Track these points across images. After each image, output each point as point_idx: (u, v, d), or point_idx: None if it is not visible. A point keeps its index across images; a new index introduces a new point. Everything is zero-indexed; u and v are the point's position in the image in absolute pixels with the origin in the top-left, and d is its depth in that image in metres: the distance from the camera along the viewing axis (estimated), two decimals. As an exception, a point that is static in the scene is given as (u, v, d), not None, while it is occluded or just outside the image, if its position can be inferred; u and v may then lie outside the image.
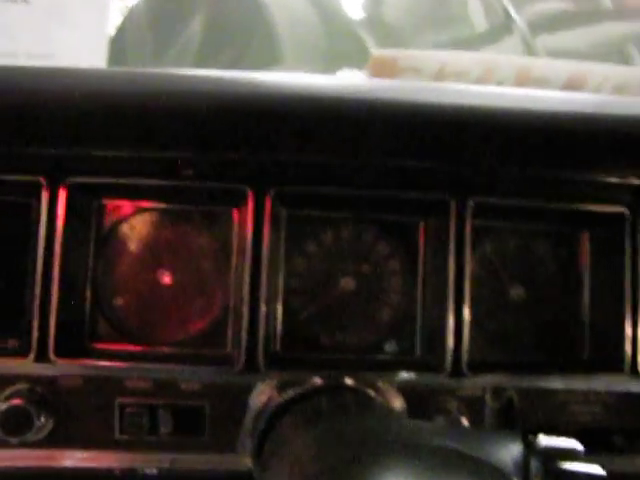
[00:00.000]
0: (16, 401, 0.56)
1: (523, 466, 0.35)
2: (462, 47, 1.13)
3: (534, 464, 0.35)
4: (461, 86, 0.55)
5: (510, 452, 0.35)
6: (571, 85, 0.71)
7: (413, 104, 0.54)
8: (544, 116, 0.56)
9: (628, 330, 0.60)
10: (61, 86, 0.52)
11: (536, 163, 0.57)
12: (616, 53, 1.06)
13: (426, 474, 0.26)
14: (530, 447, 0.36)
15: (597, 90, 0.71)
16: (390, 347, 0.63)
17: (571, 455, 0.36)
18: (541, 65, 0.70)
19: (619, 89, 0.72)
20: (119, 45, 1.01)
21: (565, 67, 0.72)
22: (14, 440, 0.55)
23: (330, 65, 1.11)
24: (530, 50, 1.16)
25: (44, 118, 0.51)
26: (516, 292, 0.64)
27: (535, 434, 0.38)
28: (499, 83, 0.68)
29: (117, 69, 0.51)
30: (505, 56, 0.69)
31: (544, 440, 0.37)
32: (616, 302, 0.61)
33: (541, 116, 0.55)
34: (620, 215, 0.61)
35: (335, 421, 0.43)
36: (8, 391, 0.57)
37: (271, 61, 1.21)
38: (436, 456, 0.28)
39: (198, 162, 0.53)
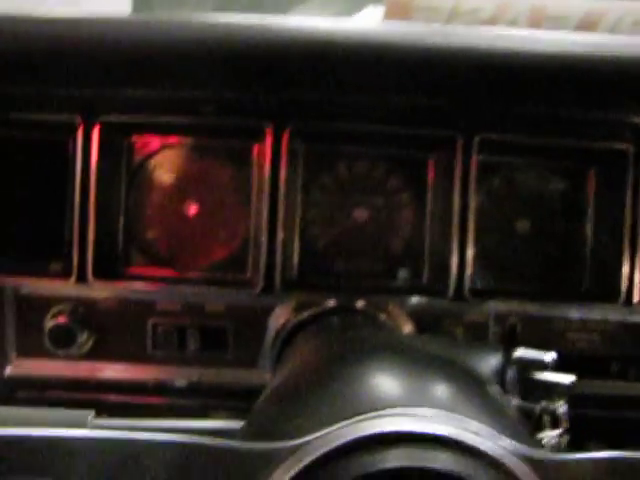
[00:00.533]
0: (61, 319, 0.63)
1: (500, 374, 0.39)
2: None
3: (510, 373, 0.39)
4: (468, 29, 0.57)
5: (489, 362, 0.40)
6: (588, 21, 0.71)
7: (422, 47, 0.56)
8: (550, 57, 0.57)
9: (625, 264, 0.63)
10: (91, 33, 0.56)
11: (542, 102, 0.59)
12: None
13: (404, 372, 0.30)
14: (507, 358, 0.40)
15: (615, 26, 0.72)
16: (403, 274, 0.67)
17: (543, 365, 0.40)
18: (557, 1, 0.70)
19: (637, 25, 0.72)
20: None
21: (582, 3, 0.72)
22: (61, 353, 0.62)
23: (355, 3, 1.12)
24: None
25: (76, 62, 0.55)
26: (522, 225, 0.67)
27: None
28: (513, 20, 0.69)
29: (140, 16, 0.54)
30: (519, -7, 0.70)
31: (520, 352, 0.41)
32: (616, 237, 0.64)
33: (547, 57, 0.57)
34: (623, 152, 0.63)
35: (340, 333, 0.48)
36: (54, 310, 0.64)
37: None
38: (417, 359, 0.33)
39: (217, 100, 0.57)
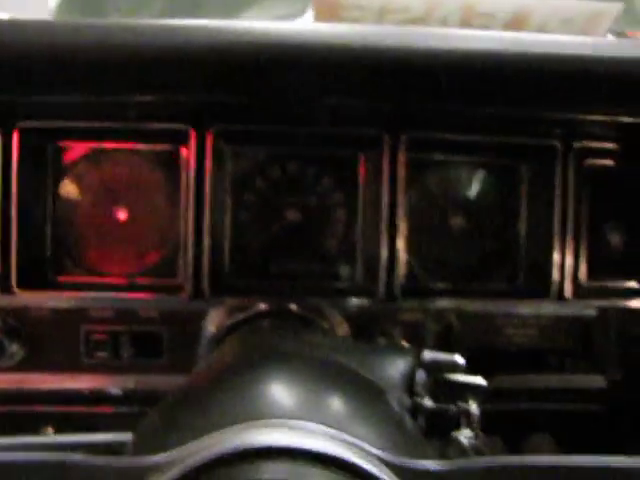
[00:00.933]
0: (-12, 331, 0.61)
1: (409, 377, 0.39)
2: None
3: (420, 376, 0.39)
4: (394, 28, 0.57)
5: (398, 365, 0.39)
6: (517, 19, 0.72)
7: (348, 47, 0.55)
8: (478, 55, 0.57)
9: (556, 258, 0.64)
10: (9, 36, 0.54)
11: (471, 100, 0.59)
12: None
13: (295, 382, 0.30)
14: (417, 360, 0.40)
15: (543, 24, 0.72)
16: (343, 272, 0.66)
17: (454, 367, 0.40)
18: (486, 0, 0.70)
19: (565, 23, 0.73)
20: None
21: (511, 1, 0.72)
22: (-12, 366, 0.61)
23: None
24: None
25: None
26: (456, 221, 0.67)
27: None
28: (444, 19, 0.69)
29: (60, 20, 0.53)
30: (449, -9, 0.70)
31: (429, 354, 0.41)
32: (547, 232, 0.65)
33: (475, 55, 0.57)
34: (552, 147, 0.64)
35: (257, 338, 0.48)
36: (-19, 321, 0.62)
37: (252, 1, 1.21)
38: (314, 368, 0.32)
39: (140, 104, 0.56)
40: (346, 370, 0.34)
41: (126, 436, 0.31)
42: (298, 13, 1.07)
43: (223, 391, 0.29)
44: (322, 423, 0.26)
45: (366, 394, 0.32)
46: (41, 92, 0.54)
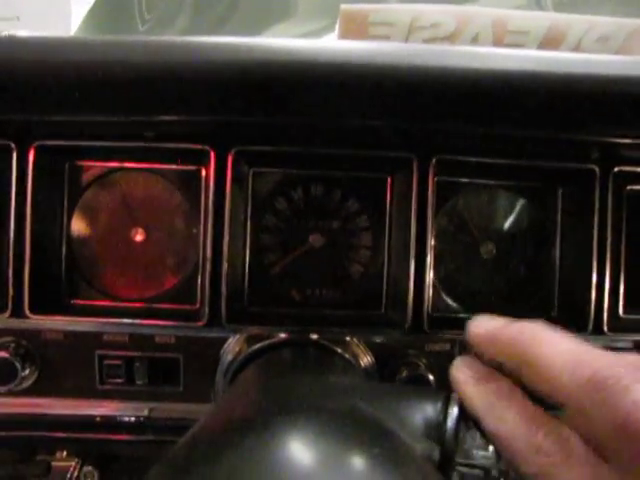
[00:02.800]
0: (2, 353, 0.59)
1: (439, 425, 0.36)
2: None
3: (450, 423, 0.36)
4: (425, 46, 0.54)
5: (427, 412, 0.36)
6: (551, 37, 0.69)
7: (377, 66, 0.53)
8: (513, 76, 0.54)
9: (593, 289, 0.60)
10: (26, 54, 0.53)
11: (505, 122, 0.56)
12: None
13: (318, 441, 0.27)
14: (446, 406, 0.37)
15: (579, 42, 0.69)
16: (369, 300, 0.63)
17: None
18: (519, 17, 0.67)
19: (603, 40, 0.70)
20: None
21: (545, 18, 0.69)
22: (1, 389, 0.59)
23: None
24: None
25: (8, 85, 0.52)
26: (486, 249, 0.64)
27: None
28: (475, 36, 0.67)
29: (80, 37, 0.51)
30: (481, 7, 0.67)
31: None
32: (583, 261, 0.61)
33: (509, 76, 0.54)
34: (590, 172, 0.61)
35: (273, 376, 0.45)
36: (-5, 343, 0.60)
37: (282, 15, 1.19)
38: (337, 421, 0.29)
39: (157, 124, 0.54)
40: (371, 425, 0.31)
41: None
42: (326, 30, 1.05)
43: (236, 453, 0.26)
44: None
45: (393, 456, 0.28)
46: (58, 111, 0.53)
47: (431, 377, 0.60)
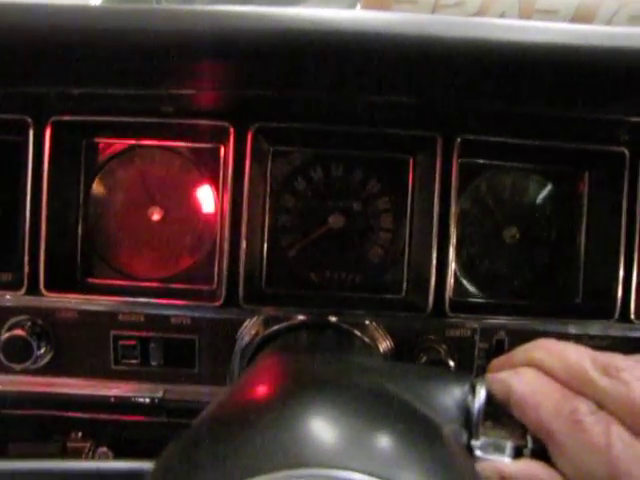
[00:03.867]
0: (17, 331, 0.58)
1: (465, 407, 0.35)
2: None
3: (477, 406, 0.35)
4: (449, 18, 0.52)
5: (454, 394, 0.35)
6: (581, 15, 0.67)
7: (400, 38, 0.51)
8: (540, 49, 0.52)
9: (621, 275, 0.58)
10: (43, 23, 0.51)
11: (531, 100, 0.55)
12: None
13: (341, 419, 0.26)
14: (473, 388, 0.35)
15: (609, 21, 0.67)
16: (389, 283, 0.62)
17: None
18: (548, -6, 0.65)
19: (634, 19, 0.68)
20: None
21: (575, -4, 0.67)
22: (17, 367, 0.58)
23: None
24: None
25: (26, 56, 0.51)
26: (510, 233, 0.63)
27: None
28: (501, 14, 0.65)
29: (102, 6, 0.50)
30: (508, -15, 0.65)
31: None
32: (611, 247, 0.59)
33: (536, 49, 0.52)
34: (620, 155, 0.59)
35: (293, 356, 0.44)
36: (10, 322, 0.59)
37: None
38: (356, 396, 0.28)
39: (177, 99, 0.53)
40: (398, 403, 0.30)
41: (147, 464, 0.28)
42: (352, 5, 1.02)
43: (257, 428, 0.25)
44: (371, 472, 0.22)
45: (422, 433, 0.27)
46: (77, 83, 0.51)
47: (451, 363, 0.59)
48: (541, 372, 0.35)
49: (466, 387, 0.35)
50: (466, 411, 0.34)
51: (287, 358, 0.44)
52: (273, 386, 0.31)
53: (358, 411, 0.27)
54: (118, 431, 0.71)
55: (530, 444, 0.33)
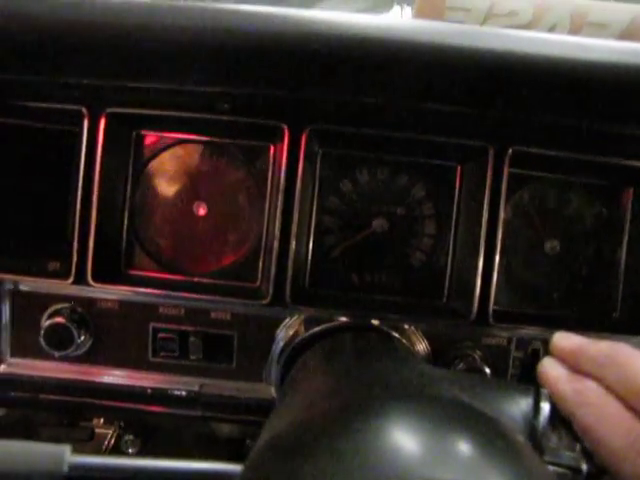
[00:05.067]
0: (59, 319, 0.59)
1: (530, 419, 0.35)
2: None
3: (543, 419, 0.35)
4: (502, 30, 0.53)
5: (519, 405, 0.35)
6: (632, 31, 0.67)
7: (452, 48, 0.51)
8: (592, 66, 0.52)
9: (661, 291, 0.59)
10: (100, 18, 0.52)
11: (581, 114, 0.55)
12: None
13: (424, 426, 0.26)
14: (538, 399, 0.36)
15: (659, 37, 0.67)
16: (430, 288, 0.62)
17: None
18: (600, 7, 0.65)
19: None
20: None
21: (627, 10, 0.67)
22: (57, 354, 0.59)
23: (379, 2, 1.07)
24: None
25: (83, 49, 0.51)
26: (551, 245, 0.63)
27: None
28: (552, 26, 0.65)
29: (154, 2, 0.50)
30: (561, -3, 0.65)
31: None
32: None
33: (588, 66, 0.52)
34: (665, 171, 0.59)
35: (353, 360, 0.44)
36: (51, 309, 0.60)
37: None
38: (439, 408, 0.29)
39: (234, 97, 0.53)
40: (475, 411, 0.30)
41: (234, 467, 0.28)
42: (381, 8, 1.03)
43: (337, 438, 0.25)
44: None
45: (503, 442, 0.28)
46: (134, 77, 0.52)
47: (487, 370, 0.59)
48: (609, 393, 0.35)
49: (530, 400, 0.36)
50: (531, 424, 0.35)
51: (343, 363, 0.44)
52: (344, 399, 0.32)
53: (437, 421, 0.27)
54: (150, 421, 0.72)
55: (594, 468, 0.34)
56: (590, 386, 0.36)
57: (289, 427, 0.29)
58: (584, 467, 0.35)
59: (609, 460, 0.33)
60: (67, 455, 0.27)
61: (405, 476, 0.23)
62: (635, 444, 0.32)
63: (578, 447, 0.36)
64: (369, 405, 0.28)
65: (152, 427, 0.77)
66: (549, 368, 0.39)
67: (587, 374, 0.38)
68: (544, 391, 0.37)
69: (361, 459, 0.24)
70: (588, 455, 0.35)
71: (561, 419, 0.36)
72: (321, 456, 0.24)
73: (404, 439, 0.26)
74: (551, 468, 0.35)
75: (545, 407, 0.36)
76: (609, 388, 0.35)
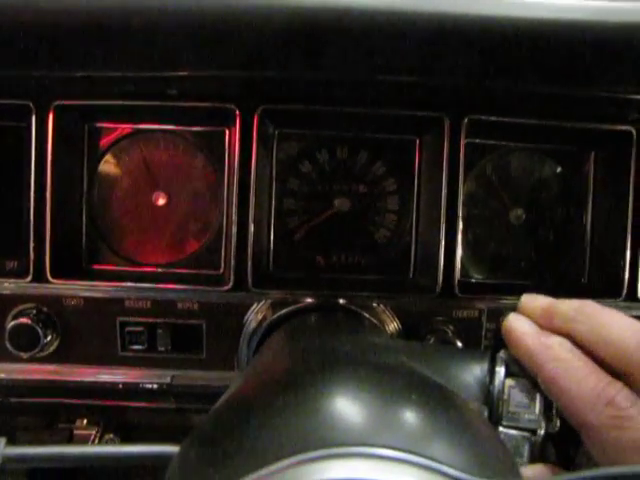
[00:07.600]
0: (23, 319, 0.58)
1: (486, 383, 0.35)
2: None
3: (498, 383, 0.35)
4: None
5: (474, 371, 0.35)
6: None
7: (404, 14, 0.50)
8: (545, 25, 0.51)
9: (628, 255, 0.58)
10: (44, 5, 0.50)
11: (537, 79, 0.54)
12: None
13: (369, 396, 0.26)
14: (493, 364, 0.36)
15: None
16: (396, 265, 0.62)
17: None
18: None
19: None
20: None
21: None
22: (24, 355, 0.58)
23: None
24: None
25: (26, 39, 0.50)
26: (516, 214, 0.62)
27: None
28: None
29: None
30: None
31: (506, 355, 0.36)
32: (618, 226, 0.59)
33: (542, 26, 0.51)
34: (627, 134, 0.58)
35: (314, 337, 0.44)
36: (15, 310, 0.59)
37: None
38: (384, 374, 0.28)
39: (181, 80, 0.52)
40: (422, 378, 0.30)
41: (171, 448, 0.27)
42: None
43: (285, 407, 0.25)
44: (407, 449, 0.22)
45: (452, 408, 0.27)
46: (78, 66, 0.50)
47: (459, 344, 0.59)
48: (577, 346, 0.35)
49: (485, 364, 0.35)
50: (486, 389, 0.34)
51: (300, 341, 0.44)
52: (294, 367, 0.31)
53: (386, 387, 0.27)
54: (124, 417, 0.71)
55: (557, 426, 0.34)
56: (559, 341, 0.35)
57: (238, 393, 0.29)
58: (542, 428, 0.34)
59: (574, 412, 0.33)
60: (1, 448, 0.27)
61: (345, 441, 0.22)
62: (602, 395, 0.32)
63: (537, 409, 0.35)
64: (314, 373, 0.27)
65: (132, 425, 0.77)
66: (516, 323, 0.39)
67: (556, 330, 0.37)
68: (500, 355, 0.37)
69: (304, 423, 0.23)
70: (548, 416, 0.35)
71: (522, 376, 0.36)
72: (267, 412, 0.24)
73: (347, 406, 0.25)
74: (510, 432, 0.35)
75: (501, 372, 0.35)
76: (579, 342, 0.35)
